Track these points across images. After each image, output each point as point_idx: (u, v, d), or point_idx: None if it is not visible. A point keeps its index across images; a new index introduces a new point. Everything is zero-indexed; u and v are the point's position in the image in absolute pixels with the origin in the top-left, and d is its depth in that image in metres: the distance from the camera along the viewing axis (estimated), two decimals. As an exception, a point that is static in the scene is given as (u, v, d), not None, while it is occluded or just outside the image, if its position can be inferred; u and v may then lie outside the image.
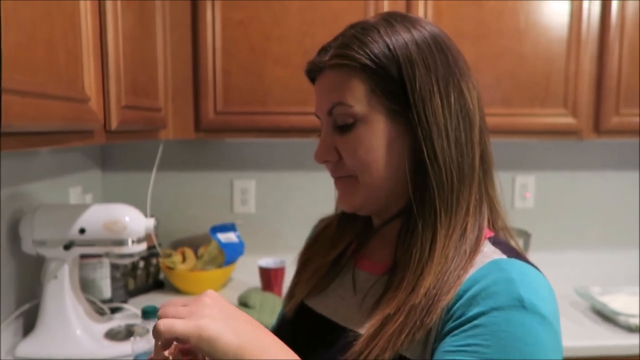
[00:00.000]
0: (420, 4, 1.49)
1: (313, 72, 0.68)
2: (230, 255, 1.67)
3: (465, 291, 0.56)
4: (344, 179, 0.66)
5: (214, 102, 1.48)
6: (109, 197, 1.79)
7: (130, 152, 1.79)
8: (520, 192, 1.90)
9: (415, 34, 0.62)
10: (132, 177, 1.79)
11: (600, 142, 1.87)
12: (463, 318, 0.54)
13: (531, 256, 1.89)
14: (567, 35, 1.52)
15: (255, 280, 1.65)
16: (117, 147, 1.79)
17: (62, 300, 1.21)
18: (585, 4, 1.51)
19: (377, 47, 0.61)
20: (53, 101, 0.76)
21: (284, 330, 0.75)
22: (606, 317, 1.43)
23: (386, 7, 1.48)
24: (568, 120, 1.55)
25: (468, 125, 0.62)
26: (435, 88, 0.60)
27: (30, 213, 1.19)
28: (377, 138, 0.62)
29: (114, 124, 1.01)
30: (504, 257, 0.59)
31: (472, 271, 0.58)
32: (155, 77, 1.35)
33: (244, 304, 1.44)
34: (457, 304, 0.56)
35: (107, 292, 1.44)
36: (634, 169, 1.91)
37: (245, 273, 1.74)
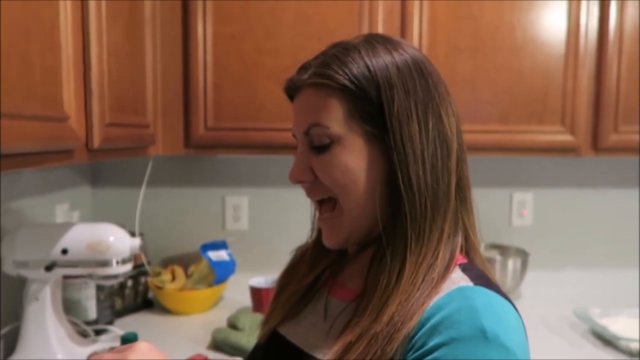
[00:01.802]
0: (416, 19, 1.46)
1: (292, 90, 0.67)
2: (220, 274, 1.63)
3: (427, 319, 0.54)
4: (327, 217, 0.65)
5: (205, 117, 1.45)
6: (98, 214, 1.75)
7: (121, 168, 1.76)
8: (518, 209, 1.86)
9: (397, 56, 0.61)
10: (123, 194, 1.75)
11: (599, 160, 1.84)
12: (424, 349, 0.52)
13: (529, 275, 1.86)
14: (564, 52, 1.50)
15: (247, 300, 1.61)
16: (107, 163, 1.76)
17: (43, 322, 1.17)
18: (582, 20, 1.49)
19: (357, 68, 0.60)
20: (28, 122, 0.73)
21: (257, 357, 0.74)
22: (607, 341, 1.39)
23: (381, 21, 1.45)
24: (566, 137, 1.52)
25: (445, 152, 0.61)
26: (414, 113, 0.59)
27: (12, 232, 1.16)
28: (353, 160, 0.61)
29: (96, 142, 0.98)
30: (471, 284, 0.57)
31: (436, 298, 0.56)
32: (144, 93, 1.32)
33: (233, 325, 1.40)
34: (419, 333, 0.54)
35: (92, 313, 1.40)
36: (633, 186, 1.87)
37: (237, 292, 1.70)
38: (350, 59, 0.61)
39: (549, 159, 1.84)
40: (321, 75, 0.61)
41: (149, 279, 1.61)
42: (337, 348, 0.57)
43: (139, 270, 1.60)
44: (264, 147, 1.47)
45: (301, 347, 0.66)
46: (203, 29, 1.42)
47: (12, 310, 1.26)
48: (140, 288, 1.63)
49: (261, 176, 1.79)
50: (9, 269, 1.15)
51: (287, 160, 1.92)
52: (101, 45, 0.99)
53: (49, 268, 1.13)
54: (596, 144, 1.54)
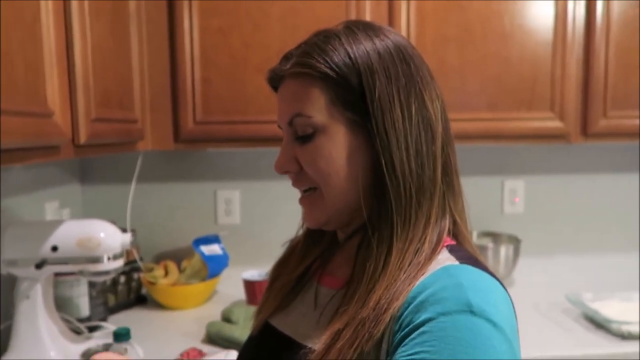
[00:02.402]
0: (403, 9, 1.46)
1: (274, 81, 0.67)
2: (213, 268, 1.63)
3: (413, 298, 0.54)
4: (308, 195, 0.65)
5: (193, 111, 1.44)
6: (88, 211, 1.74)
7: (111, 164, 1.75)
8: (510, 197, 1.87)
9: (378, 42, 0.61)
10: (113, 190, 1.74)
11: (589, 145, 1.85)
12: (411, 326, 0.52)
13: (521, 262, 1.87)
14: (552, 38, 1.50)
15: (241, 293, 1.61)
16: (96, 159, 1.75)
17: (35, 320, 1.16)
18: (570, 6, 1.49)
19: (338, 55, 0.60)
20: (11, 117, 0.72)
21: (250, 348, 0.74)
22: (598, 324, 1.40)
23: (368, 12, 1.45)
24: (555, 124, 1.53)
25: (430, 137, 0.60)
26: (396, 98, 0.59)
27: (1, 231, 1.15)
28: (337, 149, 0.61)
29: (82, 138, 0.97)
30: (456, 263, 0.58)
31: (422, 278, 0.56)
32: (131, 88, 1.31)
33: (227, 319, 1.40)
34: (405, 312, 0.54)
35: (85, 310, 1.39)
36: (623, 171, 1.88)
37: (230, 286, 1.70)
38: (330, 46, 0.60)
39: (539, 146, 1.84)
40: (302, 64, 0.61)
41: (142, 275, 1.61)
42: (325, 337, 0.57)
43: (131, 267, 1.60)
44: (253, 140, 1.47)
45: (292, 337, 0.66)
46: (189, 23, 1.41)
47: (5, 309, 1.25)
48: (133, 284, 1.62)
49: (252, 169, 1.79)
50: (-1, 267, 1.14)
51: (277, 153, 1.92)
52: (85, 40, 0.98)
53: (39, 266, 1.12)
54: (586, 130, 1.55)
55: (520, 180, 1.87)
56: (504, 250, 1.71)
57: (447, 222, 0.63)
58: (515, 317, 0.57)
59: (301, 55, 0.62)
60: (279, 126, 0.67)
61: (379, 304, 0.55)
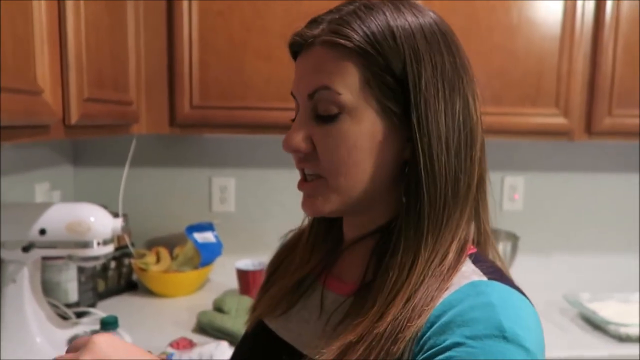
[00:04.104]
0: (409, -3, 1.42)
1: (298, 46, 0.58)
2: (206, 256, 1.60)
3: (437, 317, 0.49)
4: (312, 180, 0.57)
5: (190, 95, 1.40)
6: (80, 194, 1.70)
7: (104, 147, 1.71)
8: (509, 193, 1.84)
9: (425, 24, 0.54)
10: (106, 173, 1.71)
11: (592, 144, 1.82)
12: (435, 349, 0.47)
13: (519, 259, 1.85)
14: (560, 33, 1.47)
15: (234, 283, 1.58)
16: (89, 141, 1.71)
17: (21, 305, 1.13)
18: (579, 2, 1.46)
19: (381, 31, 0.52)
20: (-4, 93, 0.68)
21: (245, 346, 0.70)
22: (596, 325, 1.39)
23: None
24: (559, 120, 1.50)
25: (469, 141, 0.54)
26: (441, 93, 0.52)
27: (-12, 212, 1.11)
28: (363, 137, 0.53)
29: (74, 118, 0.93)
30: (484, 278, 0.52)
31: (446, 294, 0.51)
32: (126, 68, 1.27)
33: (219, 308, 1.37)
34: (429, 333, 0.48)
35: (73, 295, 1.36)
36: (625, 171, 1.86)
37: (223, 275, 1.67)
38: (372, 18, 0.53)
39: (541, 143, 1.81)
40: (338, 33, 0.53)
41: (133, 261, 1.58)
42: (335, 348, 0.52)
43: (122, 252, 1.57)
44: (251, 126, 1.43)
45: (293, 345, 0.61)
46: (189, 4, 1.37)
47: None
48: (124, 270, 1.59)
49: (248, 157, 1.75)
50: (-16, 249, 1.11)
51: (275, 141, 1.88)
52: (78, 17, 0.94)
53: (27, 249, 1.09)
54: (590, 128, 1.52)
55: (520, 176, 1.84)
56: (502, 247, 1.68)
57: (472, 230, 0.58)
58: (543, 336, 0.52)
59: (336, 23, 0.54)
60: (292, 95, 0.59)
61: (397, 320, 0.50)
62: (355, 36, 0.52)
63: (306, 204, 0.58)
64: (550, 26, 1.46)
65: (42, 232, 1.09)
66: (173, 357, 1.15)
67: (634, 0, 1.46)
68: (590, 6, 1.47)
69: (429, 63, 0.52)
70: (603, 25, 1.47)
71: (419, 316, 0.49)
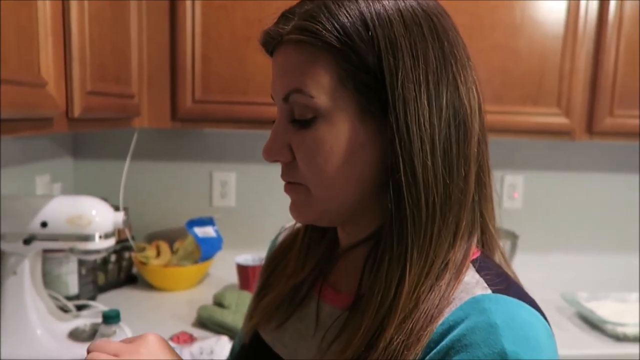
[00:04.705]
0: (412, -6, 1.42)
1: (269, 45, 0.54)
2: (207, 250, 1.60)
3: (436, 342, 0.45)
4: (294, 188, 0.53)
5: (192, 89, 1.40)
6: (80, 186, 1.70)
7: (105, 140, 1.71)
8: (509, 192, 1.85)
9: (403, 7, 0.48)
10: (107, 166, 1.71)
11: (590, 143, 1.82)
12: None
13: (518, 258, 1.84)
14: (563, 33, 1.47)
15: (234, 277, 1.58)
16: (91, 134, 1.71)
17: (22, 297, 1.13)
18: (582, 2, 1.45)
19: (352, 23, 0.47)
20: (0, 85, 0.68)
21: (242, 358, 0.68)
22: (593, 324, 1.39)
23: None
24: (561, 120, 1.50)
25: (462, 135, 0.49)
26: (424, 85, 0.47)
27: (-11, 204, 1.11)
28: (340, 142, 0.49)
29: (77, 111, 0.93)
30: (489, 291, 0.48)
31: (447, 312, 0.46)
32: (128, 62, 1.27)
33: (219, 303, 1.37)
34: (427, 358, 0.45)
35: (74, 288, 1.37)
36: (626, 171, 1.86)
37: (223, 270, 1.67)
38: (344, 9, 0.47)
39: (541, 142, 1.82)
40: (304, 30, 0.48)
41: (133, 255, 1.58)
42: None
43: (122, 245, 1.57)
44: (252, 121, 1.43)
45: None
46: (191, -2, 1.37)
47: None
48: (124, 263, 1.60)
49: (249, 152, 1.75)
50: (-15, 241, 1.11)
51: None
52: (82, 10, 0.94)
53: (28, 241, 1.09)
54: (591, 127, 1.52)
55: (520, 175, 1.85)
56: (501, 246, 1.68)
57: (475, 235, 0.53)
58: (557, 354, 0.49)
59: (304, 18, 0.49)
60: (272, 97, 0.54)
61: (390, 346, 0.46)
62: (324, 31, 0.47)
63: (292, 209, 0.56)
64: (553, 25, 1.46)
65: (44, 224, 1.09)
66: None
67: (637, 0, 1.46)
68: (594, 6, 1.47)
69: (408, 54, 0.47)
70: (606, 25, 1.47)
71: (418, 340, 0.46)
